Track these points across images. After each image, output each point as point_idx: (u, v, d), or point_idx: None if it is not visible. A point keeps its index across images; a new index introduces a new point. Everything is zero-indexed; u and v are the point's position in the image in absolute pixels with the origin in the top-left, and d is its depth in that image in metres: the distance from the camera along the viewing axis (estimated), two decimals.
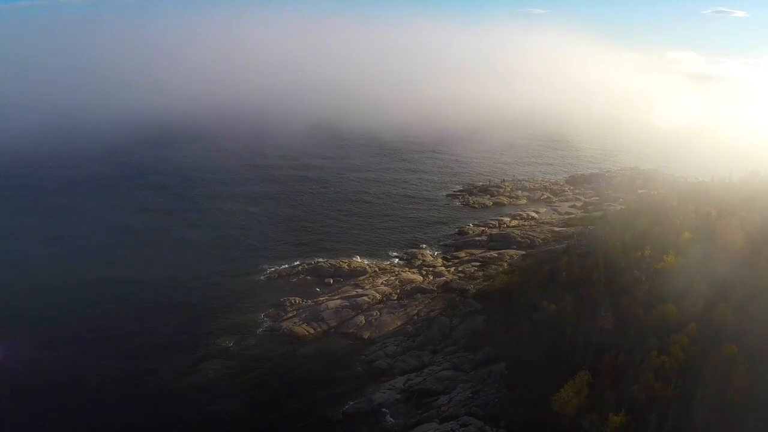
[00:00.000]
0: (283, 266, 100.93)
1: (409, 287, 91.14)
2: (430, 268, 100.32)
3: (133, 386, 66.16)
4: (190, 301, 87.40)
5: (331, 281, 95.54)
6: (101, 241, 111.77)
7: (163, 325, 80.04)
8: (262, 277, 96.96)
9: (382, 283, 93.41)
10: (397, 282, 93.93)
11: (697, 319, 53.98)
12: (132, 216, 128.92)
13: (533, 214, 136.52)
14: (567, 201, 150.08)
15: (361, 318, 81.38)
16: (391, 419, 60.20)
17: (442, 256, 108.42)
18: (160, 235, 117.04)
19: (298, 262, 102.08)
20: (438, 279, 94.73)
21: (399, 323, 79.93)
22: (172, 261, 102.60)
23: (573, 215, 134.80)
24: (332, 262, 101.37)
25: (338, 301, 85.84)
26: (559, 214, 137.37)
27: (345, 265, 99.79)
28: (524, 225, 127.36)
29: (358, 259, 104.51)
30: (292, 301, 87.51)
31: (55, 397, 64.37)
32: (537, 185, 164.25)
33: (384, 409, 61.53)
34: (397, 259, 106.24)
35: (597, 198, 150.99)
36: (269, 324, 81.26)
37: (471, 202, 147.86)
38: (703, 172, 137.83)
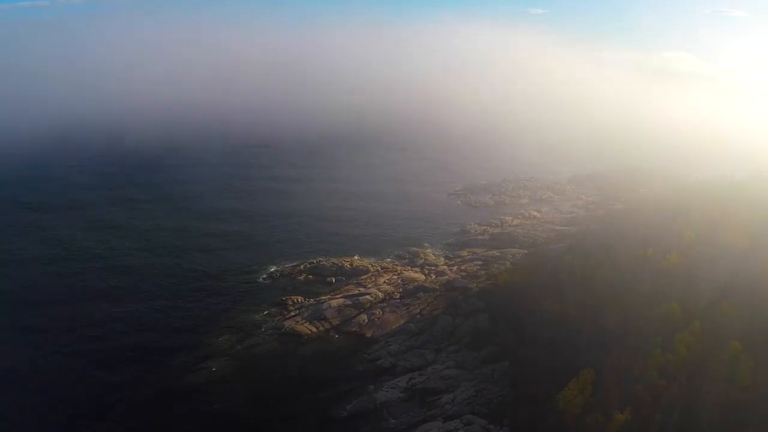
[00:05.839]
0: (284, 266, 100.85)
1: (411, 286, 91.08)
2: (432, 267, 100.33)
3: (134, 386, 65.93)
4: (192, 301, 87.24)
5: (333, 280, 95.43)
6: (97, 243, 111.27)
7: (164, 325, 79.89)
8: (263, 277, 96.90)
9: (384, 282, 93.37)
10: (399, 281, 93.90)
11: (701, 318, 53.81)
12: (129, 216, 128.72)
13: (535, 213, 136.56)
14: (569, 200, 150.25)
15: (364, 316, 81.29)
16: (394, 418, 60.02)
17: (444, 255, 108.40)
18: (160, 235, 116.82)
19: (299, 262, 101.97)
20: (440, 278, 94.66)
21: (401, 322, 79.82)
22: (172, 261, 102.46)
23: (575, 214, 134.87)
24: (334, 260, 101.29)
25: (340, 300, 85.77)
26: (561, 213, 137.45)
27: (347, 264, 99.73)
28: (526, 224, 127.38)
29: (360, 258, 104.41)
30: (294, 300, 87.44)
31: (53, 397, 64.01)
32: (539, 184, 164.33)
33: (387, 408, 61.36)
34: (399, 258, 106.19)
35: (599, 197, 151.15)
36: (271, 323, 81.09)
37: (473, 201, 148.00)
38: (704, 171, 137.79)
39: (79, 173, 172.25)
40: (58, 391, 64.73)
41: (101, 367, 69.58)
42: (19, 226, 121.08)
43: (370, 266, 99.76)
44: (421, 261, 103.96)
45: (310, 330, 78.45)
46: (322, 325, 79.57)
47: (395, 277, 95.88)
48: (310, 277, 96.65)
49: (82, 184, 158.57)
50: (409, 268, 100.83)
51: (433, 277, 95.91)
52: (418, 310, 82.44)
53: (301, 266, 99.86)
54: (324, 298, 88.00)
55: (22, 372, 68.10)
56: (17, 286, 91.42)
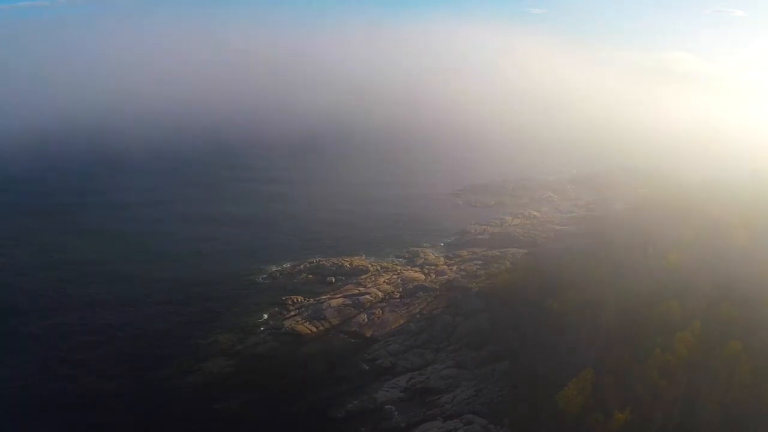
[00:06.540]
0: (284, 265, 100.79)
1: (411, 285, 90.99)
2: (432, 267, 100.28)
3: (134, 386, 65.82)
4: (191, 303, 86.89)
5: (333, 280, 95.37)
6: (92, 248, 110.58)
7: (164, 327, 79.54)
8: (263, 277, 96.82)
9: (384, 282, 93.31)
10: (399, 280, 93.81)
11: (701, 317, 53.95)
12: (124, 220, 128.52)
13: (535, 213, 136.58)
14: (569, 200, 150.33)
15: (364, 316, 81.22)
16: (394, 418, 59.96)
17: (444, 254, 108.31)
18: (156, 239, 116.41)
19: (299, 262, 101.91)
20: (440, 277, 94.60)
21: (401, 321, 79.74)
22: (173, 262, 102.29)
23: (575, 214, 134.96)
24: (334, 260, 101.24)
25: (340, 300, 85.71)
26: (561, 213, 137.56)
27: (347, 264, 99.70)
28: (526, 224, 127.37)
29: (360, 257, 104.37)
30: (294, 300, 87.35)
31: (52, 403, 63.55)
32: (539, 184, 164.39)
33: (387, 407, 61.32)
34: (398, 258, 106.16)
35: (599, 197, 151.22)
36: (271, 323, 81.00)
37: (473, 201, 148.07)
38: (704, 171, 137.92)
39: (75, 176, 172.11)
40: (56, 398, 64.30)
41: (100, 371, 69.03)
42: (13, 230, 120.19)
43: (370, 266, 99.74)
44: (421, 261, 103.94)
45: (310, 330, 78.39)
46: (322, 325, 79.50)
47: (395, 276, 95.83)
48: (310, 276, 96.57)
49: (76, 188, 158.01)
50: (409, 267, 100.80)
51: (433, 276, 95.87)
52: (418, 310, 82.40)
53: (301, 266, 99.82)
54: (324, 297, 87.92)
55: (20, 379, 67.29)
56: (12, 292, 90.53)
